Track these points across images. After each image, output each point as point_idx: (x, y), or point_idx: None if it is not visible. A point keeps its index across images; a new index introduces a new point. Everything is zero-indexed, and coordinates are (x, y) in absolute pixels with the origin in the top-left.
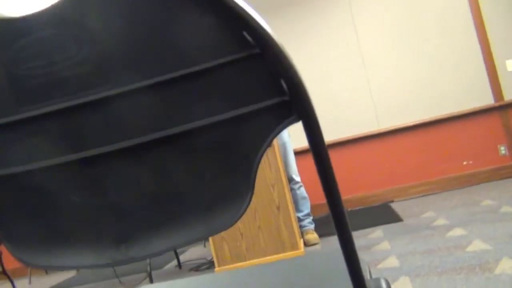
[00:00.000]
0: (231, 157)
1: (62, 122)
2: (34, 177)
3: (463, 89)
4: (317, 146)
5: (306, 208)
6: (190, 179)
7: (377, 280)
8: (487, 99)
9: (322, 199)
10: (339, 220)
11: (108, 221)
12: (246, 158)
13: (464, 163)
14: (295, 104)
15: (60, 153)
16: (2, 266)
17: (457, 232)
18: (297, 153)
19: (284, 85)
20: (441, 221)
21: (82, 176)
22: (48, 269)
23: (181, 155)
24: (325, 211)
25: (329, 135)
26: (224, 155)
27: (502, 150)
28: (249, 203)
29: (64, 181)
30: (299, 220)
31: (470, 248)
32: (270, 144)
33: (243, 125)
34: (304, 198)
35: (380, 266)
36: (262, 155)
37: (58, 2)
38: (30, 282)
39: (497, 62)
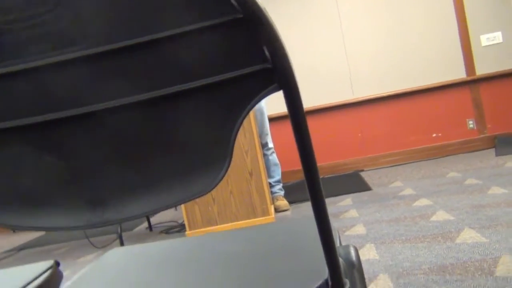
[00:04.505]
0: (211, 122)
1: (36, 82)
2: (8, 136)
3: (437, 62)
4: (297, 116)
5: (277, 175)
6: (169, 143)
7: (347, 247)
8: (459, 73)
9: (292, 166)
10: (314, 188)
11: (83, 183)
12: (226, 124)
13: (434, 135)
14: (277, 72)
15: (33, 113)
16: None
17: (423, 202)
18: (269, 120)
19: (267, 53)
20: (408, 191)
21: (56, 137)
22: (21, 230)
23: (160, 119)
24: (295, 178)
25: (304, 102)
26: (204, 120)
27: (470, 124)
28: (227, 169)
29: (38, 142)
30: (270, 186)
31: (434, 218)
32: (249, 111)
33: (224, 91)
34: (276, 164)
35: (347, 233)
36: (241, 122)
37: None
38: None
39: (472, 36)
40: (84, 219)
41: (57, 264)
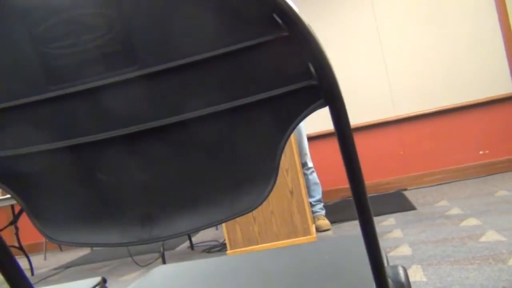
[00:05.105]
0: (256, 140)
1: (90, 102)
2: (62, 155)
3: (482, 76)
4: (344, 132)
5: (317, 194)
6: (215, 161)
7: (395, 267)
8: (507, 87)
9: (333, 185)
10: (361, 205)
11: (133, 200)
12: (272, 142)
13: (481, 152)
14: (323, 88)
15: (86, 132)
16: (19, 242)
17: (471, 222)
18: (309, 139)
19: (312, 69)
20: (455, 211)
21: (108, 155)
22: (72, 246)
23: (208, 137)
24: (336, 197)
25: None
26: (251, 137)
27: None
28: (273, 186)
29: (90, 160)
30: (311, 205)
31: (483, 239)
32: (295, 128)
33: (270, 108)
34: (316, 183)
35: (392, 253)
36: (287, 139)
37: None
38: (45, 258)
39: None
40: (134, 236)
41: (104, 280)
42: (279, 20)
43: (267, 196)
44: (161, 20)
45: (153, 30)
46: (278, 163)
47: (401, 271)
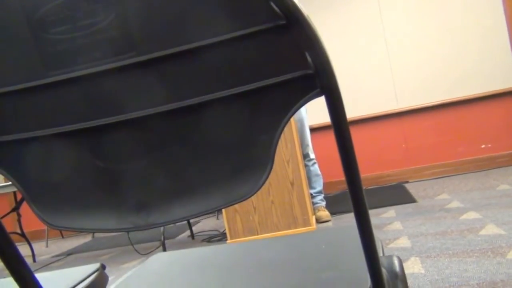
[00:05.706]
0: (252, 128)
1: (87, 88)
2: (59, 141)
3: (485, 70)
4: (339, 122)
5: (318, 185)
6: (211, 148)
7: (390, 258)
8: (509, 81)
9: (334, 177)
10: (356, 196)
11: (130, 187)
12: (268, 130)
13: (483, 146)
14: (319, 78)
15: (85, 118)
16: (21, 228)
17: (471, 215)
18: (311, 130)
19: (309, 58)
20: (455, 204)
21: (105, 142)
22: (69, 231)
23: (203, 125)
24: (337, 189)
25: (348, 112)
26: (246, 125)
27: None
28: (268, 175)
29: (87, 146)
30: (312, 196)
31: (483, 232)
32: (291, 117)
33: (266, 97)
34: (317, 175)
35: (391, 245)
36: (283, 128)
37: None
38: (47, 245)
39: None
40: (130, 222)
41: (103, 267)
42: (276, 9)
43: (263, 183)
44: (158, 7)
45: (150, 17)
46: (274, 151)
47: (396, 261)
